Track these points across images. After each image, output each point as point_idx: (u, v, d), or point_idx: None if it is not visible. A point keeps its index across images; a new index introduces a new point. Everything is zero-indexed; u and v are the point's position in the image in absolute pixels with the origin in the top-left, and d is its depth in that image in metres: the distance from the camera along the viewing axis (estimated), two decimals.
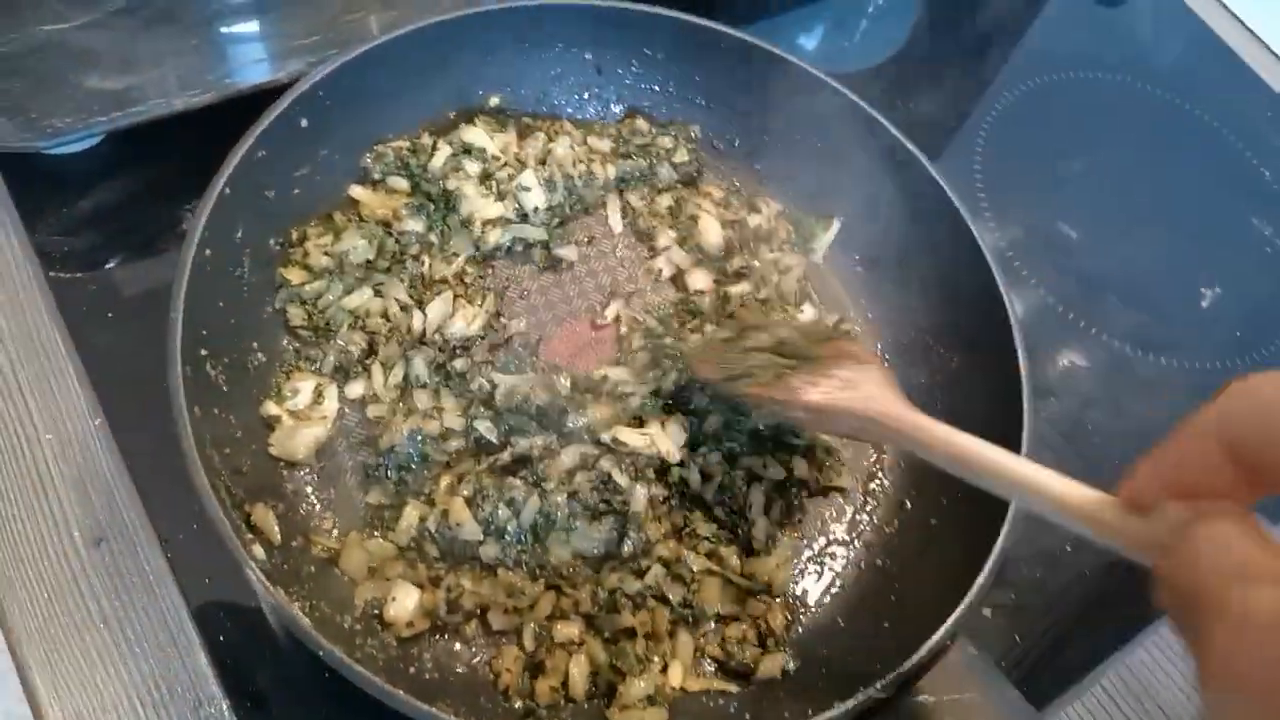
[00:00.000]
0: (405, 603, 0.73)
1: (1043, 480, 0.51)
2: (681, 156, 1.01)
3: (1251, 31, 1.43)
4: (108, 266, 0.89)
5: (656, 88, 1.05)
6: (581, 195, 0.98)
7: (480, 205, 0.92)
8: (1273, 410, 0.34)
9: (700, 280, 0.95)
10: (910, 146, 0.95)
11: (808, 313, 0.97)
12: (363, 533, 0.77)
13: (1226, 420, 0.36)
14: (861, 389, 0.71)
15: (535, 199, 0.94)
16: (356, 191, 0.91)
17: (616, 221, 0.99)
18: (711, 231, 0.97)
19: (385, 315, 0.86)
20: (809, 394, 0.73)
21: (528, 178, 0.93)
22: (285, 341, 0.84)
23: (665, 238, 0.98)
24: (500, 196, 0.93)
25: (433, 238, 0.91)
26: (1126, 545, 0.43)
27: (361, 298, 0.86)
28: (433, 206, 0.92)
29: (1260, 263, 1.20)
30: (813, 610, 0.83)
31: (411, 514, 0.77)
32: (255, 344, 0.81)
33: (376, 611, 0.73)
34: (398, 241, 0.90)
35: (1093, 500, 0.46)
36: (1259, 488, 0.36)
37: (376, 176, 0.92)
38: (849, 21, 1.34)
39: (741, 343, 0.79)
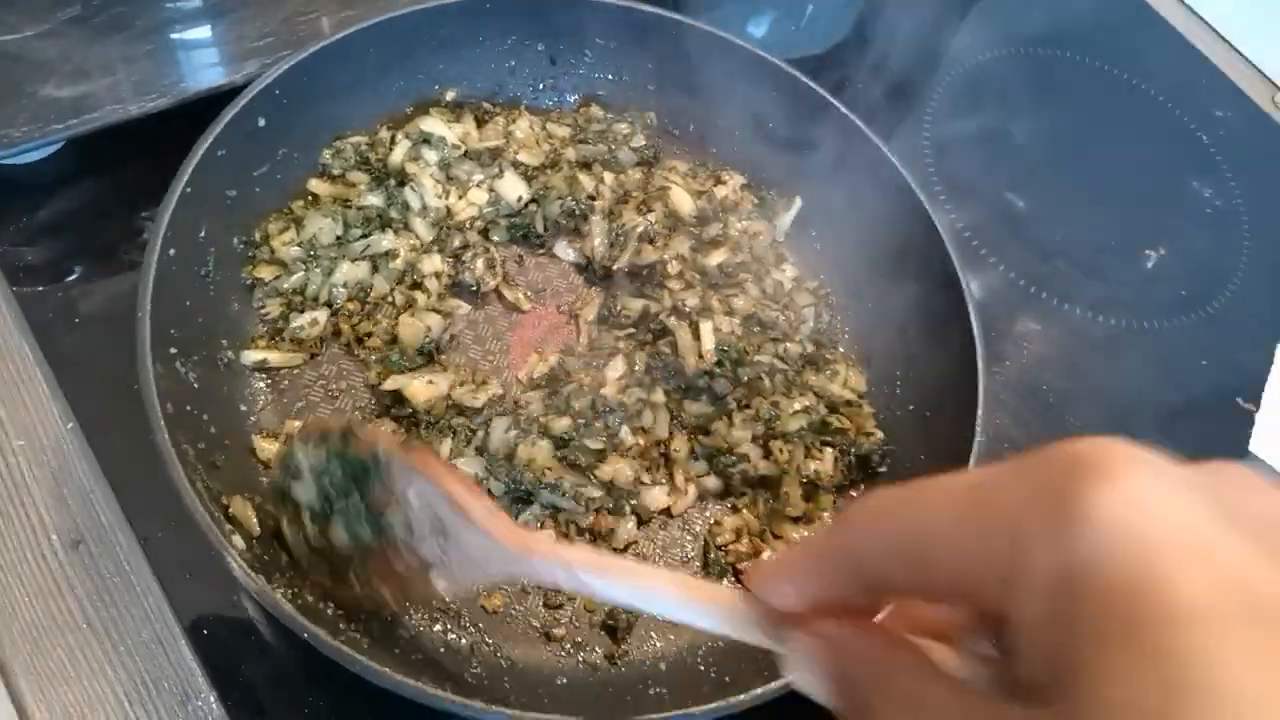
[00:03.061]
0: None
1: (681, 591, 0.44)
2: (639, 141, 1.03)
3: (1189, 7, 1.47)
4: (71, 275, 0.89)
5: (611, 76, 1.06)
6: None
7: (433, 198, 0.93)
8: (887, 524, 0.34)
9: (679, 246, 0.96)
10: (860, 125, 0.98)
11: (788, 272, 1.00)
12: None
13: (852, 540, 0.36)
14: (481, 537, 0.57)
15: (517, 189, 0.95)
16: (315, 185, 0.92)
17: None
18: (684, 201, 0.99)
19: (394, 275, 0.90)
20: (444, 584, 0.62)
21: (510, 179, 0.96)
22: (253, 337, 0.85)
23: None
24: (463, 192, 0.95)
25: (393, 213, 0.92)
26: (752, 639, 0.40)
27: (358, 270, 0.88)
28: (393, 183, 0.93)
29: (1201, 224, 1.24)
30: None
31: None
32: (224, 341, 0.82)
33: None
34: (360, 210, 0.91)
35: (736, 605, 0.41)
36: (879, 597, 0.37)
37: (336, 171, 0.93)
38: (795, 8, 1.36)
39: (316, 537, 0.67)
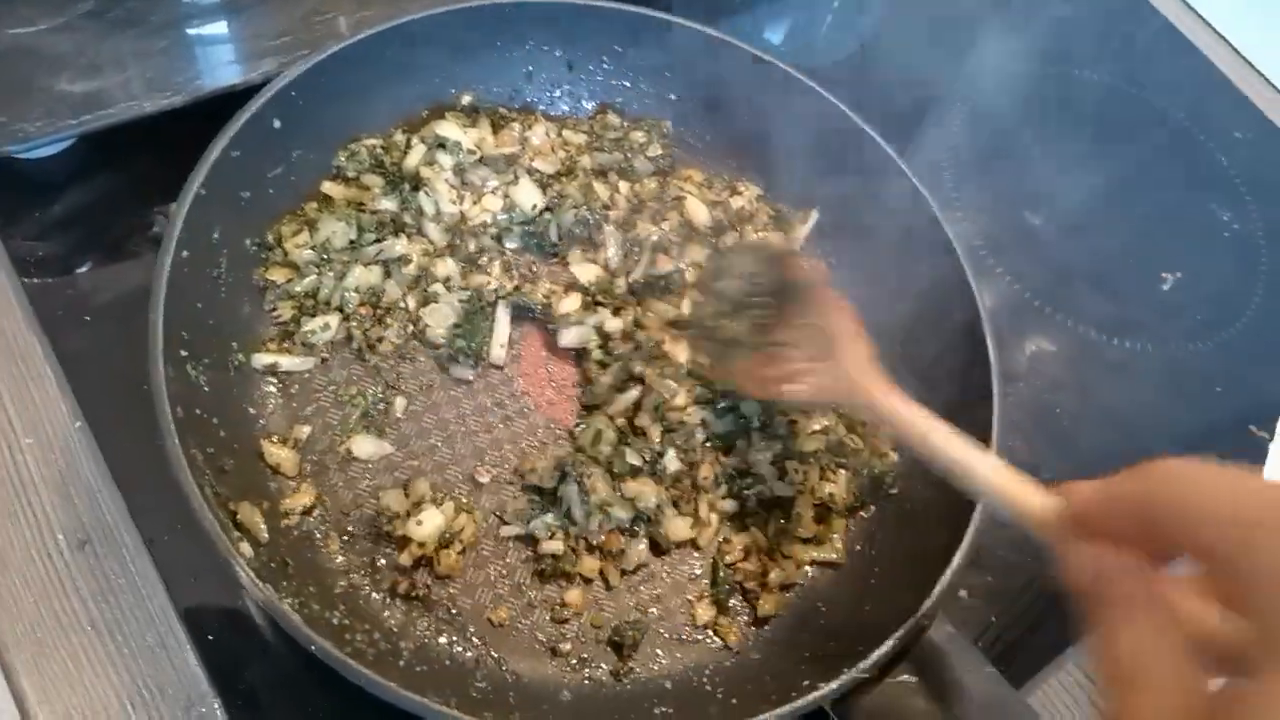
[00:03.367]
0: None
1: (999, 481, 0.57)
2: (655, 150, 1.02)
3: (1209, 24, 1.46)
4: (81, 270, 0.89)
5: (628, 84, 1.06)
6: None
7: (447, 204, 0.93)
8: (1182, 497, 0.41)
9: (695, 254, 0.96)
10: (878, 139, 0.97)
11: None
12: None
13: (1149, 496, 0.43)
14: (840, 370, 0.73)
15: (532, 196, 0.95)
16: (329, 187, 0.92)
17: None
18: (699, 211, 0.98)
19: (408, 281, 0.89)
20: (793, 390, 0.75)
21: (525, 185, 0.95)
22: (265, 341, 0.84)
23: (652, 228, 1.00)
24: (478, 198, 0.94)
25: (407, 218, 0.91)
26: (1058, 553, 0.49)
27: (371, 275, 0.88)
28: (407, 187, 0.93)
29: (1220, 247, 1.24)
30: (793, 595, 0.84)
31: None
32: (235, 344, 0.81)
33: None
34: (374, 215, 0.91)
35: (1041, 508, 0.53)
36: (1156, 554, 0.44)
37: (350, 174, 0.92)
38: (814, 16, 1.35)
39: (714, 318, 0.81)
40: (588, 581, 0.81)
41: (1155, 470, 0.42)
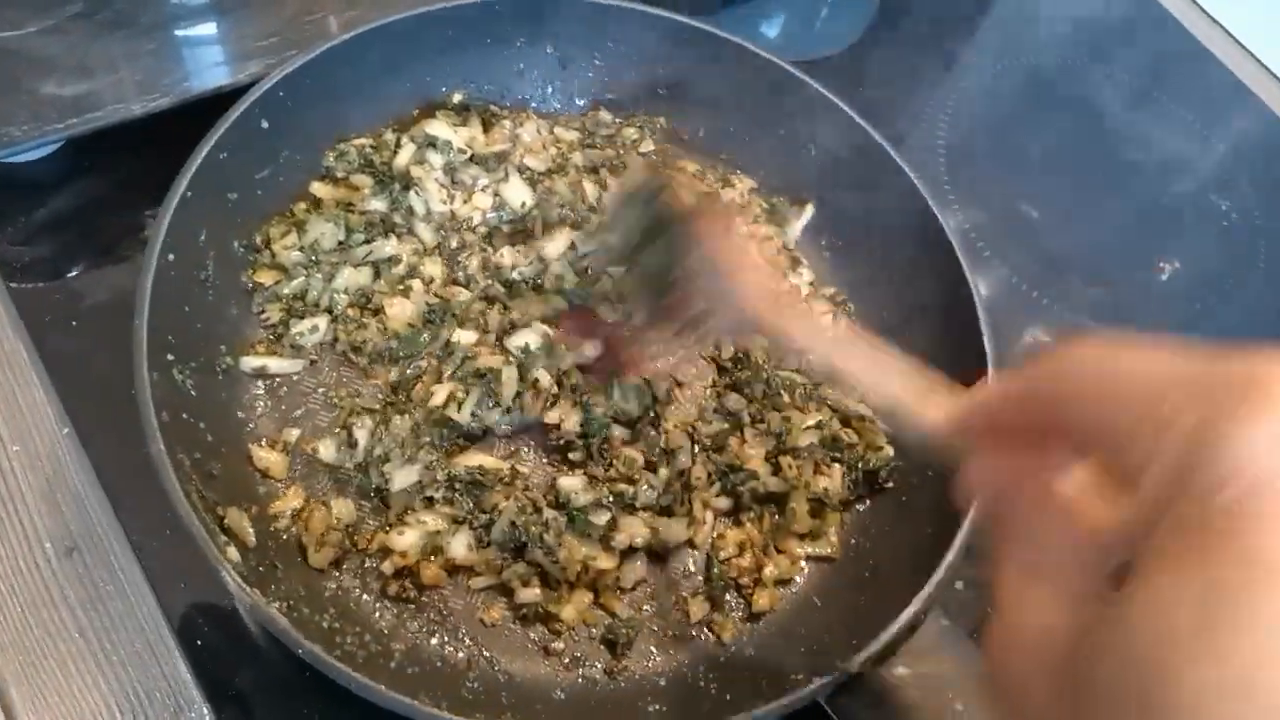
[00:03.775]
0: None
1: (904, 395, 0.53)
2: (648, 147, 1.01)
3: (1205, 11, 1.45)
4: (69, 274, 0.88)
5: (621, 79, 1.05)
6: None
7: (437, 203, 0.92)
8: (1093, 386, 0.37)
9: None
10: (872, 132, 0.96)
11: (804, 276, 0.98)
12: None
13: (1045, 381, 0.40)
14: (736, 306, 0.67)
15: (521, 194, 0.94)
16: (318, 188, 0.91)
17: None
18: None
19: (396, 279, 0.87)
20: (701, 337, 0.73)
21: (514, 183, 0.94)
22: (254, 344, 0.84)
23: None
24: (468, 196, 0.93)
25: (397, 218, 0.91)
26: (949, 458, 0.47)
27: (360, 276, 0.87)
28: (397, 187, 0.92)
29: (1217, 236, 1.23)
30: (788, 590, 0.84)
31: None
32: (222, 347, 0.81)
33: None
34: (363, 215, 0.90)
35: (948, 418, 0.49)
36: (1056, 448, 0.41)
37: (339, 174, 0.92)
38: (811, 10, 1.34)
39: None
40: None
41: (1058, 354, 0.39)
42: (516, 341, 0.84)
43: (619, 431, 0.83)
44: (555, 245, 0.91)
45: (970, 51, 1.37)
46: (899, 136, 1.20)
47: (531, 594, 0.77)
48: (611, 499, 0.80)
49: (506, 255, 0.90)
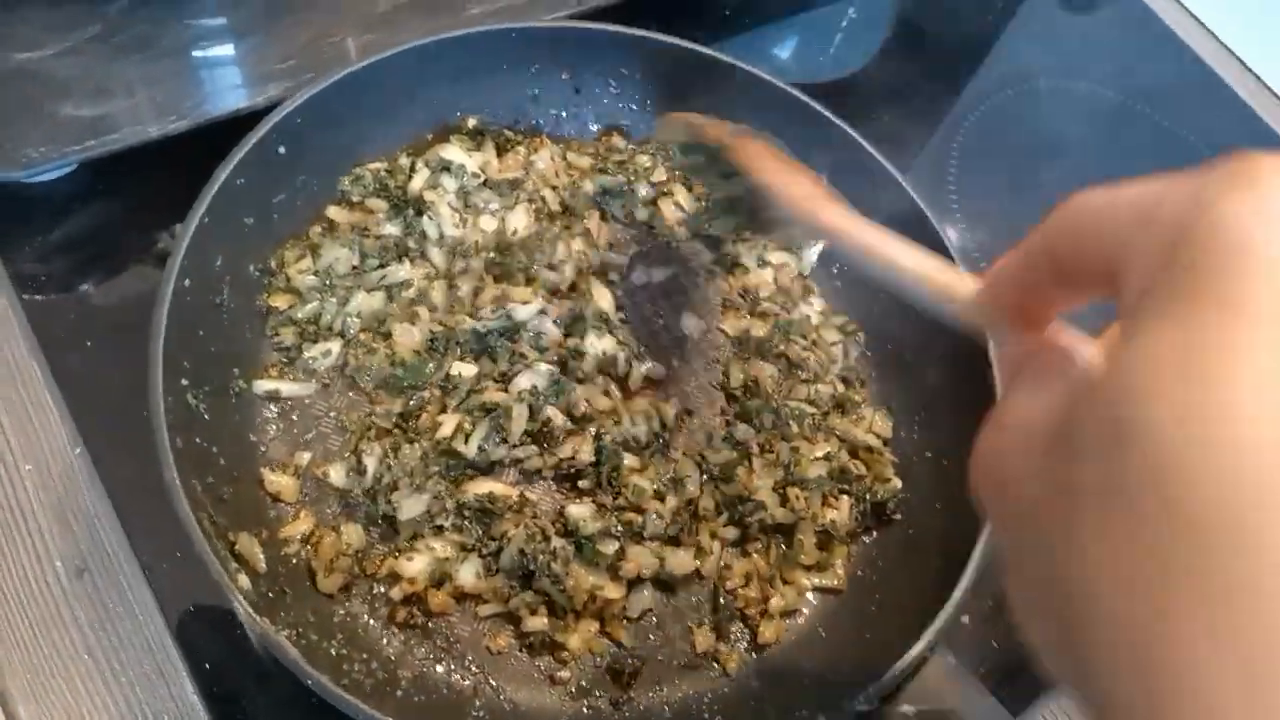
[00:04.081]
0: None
1: (938, 278, 0.54)
2: (660, 175, 1.02)
3: (1217, 39, 1.45)
4: (85, 293, 0.89)
5: (634, 106, 1.06)
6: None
7: (450, 227, 0.92)
8: (1092, 215, 0.38)
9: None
10: (881, 159, 0.97)
11: (815, 305, 0.99)
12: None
13: (1054, 225, 0.40)
14: (780, 207, 0.74)
15: (522, 222, 0.94)
16: (333, 212, 0.92)
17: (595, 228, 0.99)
18: (670, 213, 0.99)
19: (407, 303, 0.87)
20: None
21: (519, 212, 0.94)
22: (267, 367, 0.84)
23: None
24: (476, 219, 0.94)
25: (410, 242, 0.91)
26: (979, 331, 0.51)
27: (373, 300, 0.87)
28: (411, 212, 0.92)
29: None
30: (793, 622, 0.84)
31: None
32: (235, 370, 0.81)
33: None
34: (378, 239, 0.90)
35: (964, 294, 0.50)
36: (1075, 296, 0.41)
37: (355, 199, 0.92)
38: (824, 34, 1.35)
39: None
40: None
41: (1063, 205, 0.39)
42: (521, 384, 0.84)
43: (629, 460, 0.84)
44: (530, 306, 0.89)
45: (982, 76, 1.37)
46: (908, 161, 1.21)
47: (539, 623, 0.77)
48: (620, 528, 0.80)
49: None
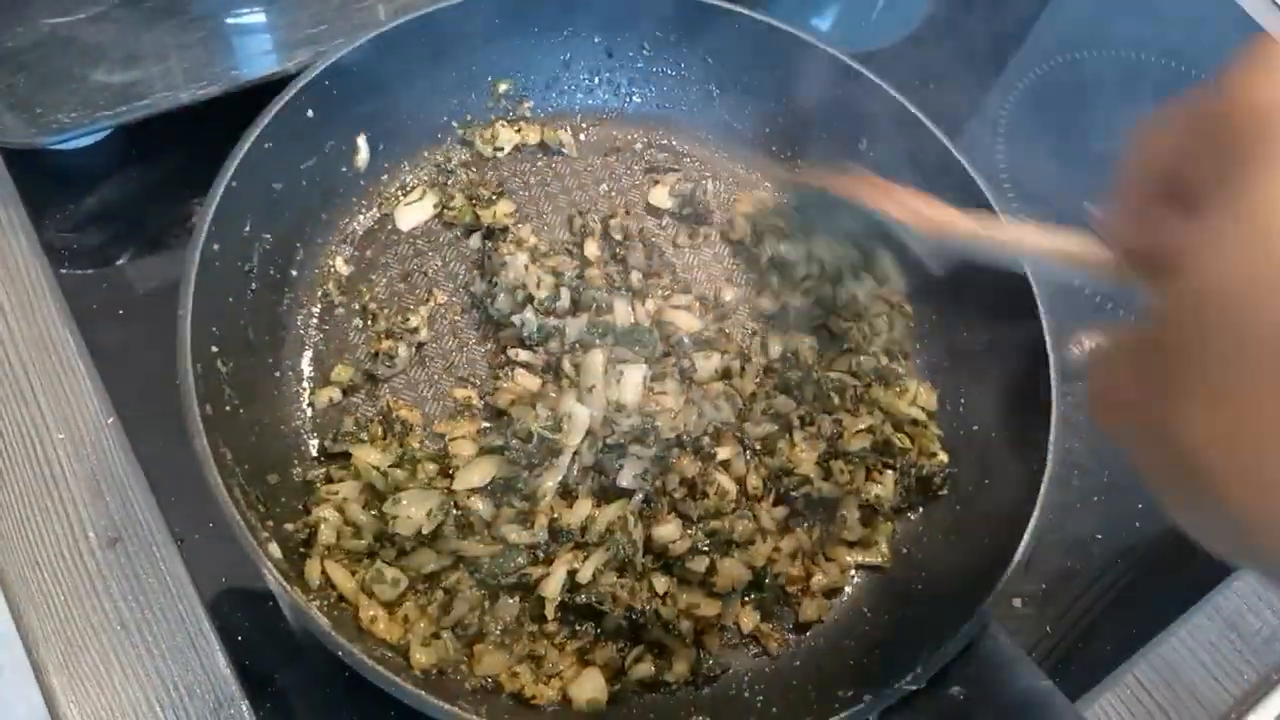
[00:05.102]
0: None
1: (1061, 245, 0.62)
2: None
3: (1274, 3, 1.39)
4: (117, 263, 0.88)
5: (670, 71, 1.03)
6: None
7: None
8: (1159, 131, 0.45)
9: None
10: (931, 126, 0.93)
11: (867, 283, 0.96)
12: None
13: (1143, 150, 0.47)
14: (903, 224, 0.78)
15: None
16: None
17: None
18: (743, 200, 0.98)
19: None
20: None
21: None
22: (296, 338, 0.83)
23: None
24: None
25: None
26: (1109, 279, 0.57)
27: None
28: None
29: None
30: (836, 600, 0.81)
31: None
32: (266, 338, 0.80)
33: None
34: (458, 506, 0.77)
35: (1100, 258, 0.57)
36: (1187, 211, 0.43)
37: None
38: (863, 3, 1.31)
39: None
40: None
41: (1134, 137, 0.47)
42: (583, 575, 0.75)
43: (685, 463, 0.80)
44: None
45: (1030, 45, 1.33)
46: (956, 131, 1.16)
47: (646, 669, 0.74)
48: (707, 543, 0.77)
49: None
